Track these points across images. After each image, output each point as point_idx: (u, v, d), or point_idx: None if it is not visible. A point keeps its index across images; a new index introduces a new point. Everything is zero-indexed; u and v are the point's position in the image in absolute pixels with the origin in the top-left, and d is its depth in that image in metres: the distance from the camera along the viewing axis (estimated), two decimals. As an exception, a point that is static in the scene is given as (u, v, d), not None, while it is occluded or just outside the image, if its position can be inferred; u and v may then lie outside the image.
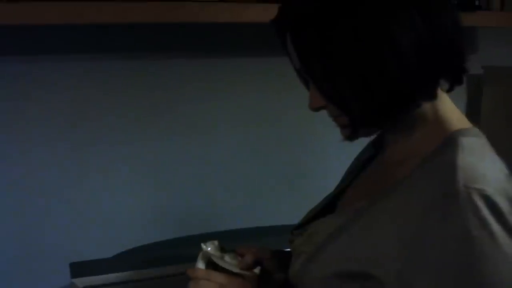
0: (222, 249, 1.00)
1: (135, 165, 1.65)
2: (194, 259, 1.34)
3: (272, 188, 1.79)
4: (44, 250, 1.56)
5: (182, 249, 1.54)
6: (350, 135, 0.79)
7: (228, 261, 0.97)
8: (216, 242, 1.00)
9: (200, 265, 0.97)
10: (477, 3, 1.73)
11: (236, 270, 0.94)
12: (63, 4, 1.31)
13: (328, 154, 1.74)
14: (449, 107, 0.82)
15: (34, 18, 1.28)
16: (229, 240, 1.64)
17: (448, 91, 0.82)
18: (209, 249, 0.98)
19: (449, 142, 0.75)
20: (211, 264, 0.97)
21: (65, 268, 1.40)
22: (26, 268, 1.56)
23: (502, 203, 0.67)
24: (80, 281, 1.28)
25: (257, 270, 0.96)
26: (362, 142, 0.94)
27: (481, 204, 0.66)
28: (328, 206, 0.95)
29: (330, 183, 1.04)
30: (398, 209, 0.73)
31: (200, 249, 0.98)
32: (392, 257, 0.71)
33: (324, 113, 0.83)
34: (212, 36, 1.64)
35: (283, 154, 1.79)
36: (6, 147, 1.52)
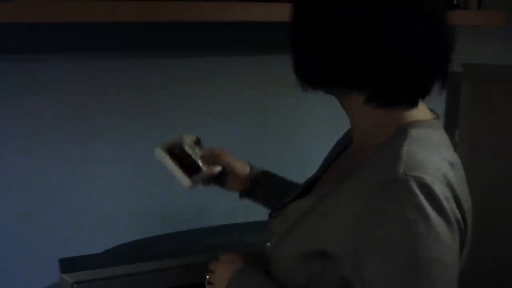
0: (199, 143, 1.16)
1: (125, 162, 1.66)
2: (183, 254, 1.37)
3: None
4: (33, 247, 1.57)
5: (171, 244, 1.55)
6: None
7: (196, 152, 1.12)
8: (195, 137, 1.15)
9: (159, 150, 1.13)
10: (455, 2, 1.78)
11: (196, 159, 1.11)
12: (50, 2, 1.33)
13: (321, 151, 1.77)
14: None
15: (30, 16, 1.29)
16: (218, 235, 1.67)
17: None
18: (187, 137, 1.13)
19: (401, 132, 0.80)
20: (174, 156, 1.12)
21: (55, 264, 1.41)
22: (16, 264, 1.57)
23: (439, 190, 0.73)
24: (69, 276, 1.29)
25: (216, 169, 1.12)
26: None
27: (417, 190, 0.71)
28: (306, 191, 0.99)
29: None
30: (353, 193, 0.78)
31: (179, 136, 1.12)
32: (346, 237, 0.76)
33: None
34: (204, 35, 1.67)
35: (277, 152, 1.82)
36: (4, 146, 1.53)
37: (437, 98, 2.14)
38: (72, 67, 1.56)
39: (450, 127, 2.10)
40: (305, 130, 1.84)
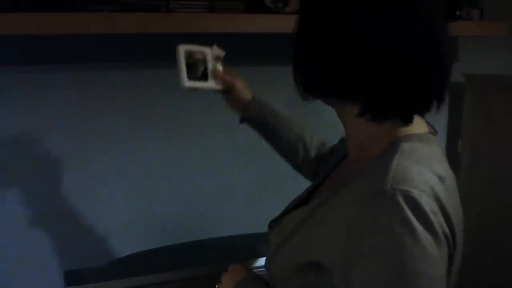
0: (221, 59, 1.26)
1: (130, 173, 1.67)
2: (186, 266, 1.37)
3: (272, 194, 1.82)
4: (38, 259, 1.58)
5: (175, 256, 1.56)
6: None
7: (214, 65, 1.23)
8: (222, 52, 1.25)
9: (181, 48, 1.21)
10: (458, 13, 1.78)
11: (209, 70, 1.22)
12: (54, 14, 1.34)
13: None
14: None
15: (36, 28, 1.32)
16: (222, 247, 1.67)
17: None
18: (215, 49, 1.24)
19: (392, 146, 0.81)
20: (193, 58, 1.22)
21: (60, 276, 1.41)
22: (22, 276, 1.58)
23: (426, 204, 0.73)
24: (74, 289, 1.29)
25: (218, 86, 1.24)
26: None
27: (404, 204, 0.72)
28: (304, 201, 1.00)
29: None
30: (345, 204, 0.79)
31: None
32: (337, 248, 0.77)
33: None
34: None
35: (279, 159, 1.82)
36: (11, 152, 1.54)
37: (440, 108, 2.13)
38: (78, 77, 1.58)
39: (453, 136, 2.10)
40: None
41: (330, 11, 0.80)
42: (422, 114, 0.86)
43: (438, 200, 0.76)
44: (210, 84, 1.25)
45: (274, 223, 1.00)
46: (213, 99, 1.69)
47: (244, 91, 1.29)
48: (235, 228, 1.75)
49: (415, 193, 0.73)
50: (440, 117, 2.09)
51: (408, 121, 0.83)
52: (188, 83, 1.22)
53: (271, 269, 0.93)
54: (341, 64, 0.80)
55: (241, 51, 1.71)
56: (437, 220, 0.74)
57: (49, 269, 1.55)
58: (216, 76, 1.26)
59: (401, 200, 0.72)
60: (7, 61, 1.50)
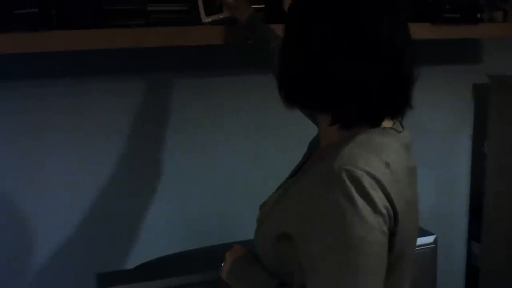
0: None
1: (159, 180, 1.75)
2: (214, 267, 1.42)
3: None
4: (71, 261, 1.67)
5: (206, 257, 1.60)
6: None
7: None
8: None
9: None
10: (479, 16, 1.79)
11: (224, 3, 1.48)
12: (83, 33, 1.43)
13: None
14: None
15: (67, 45, 1.42)
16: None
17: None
18: None
19: (350, 137, 0.93)
20: None
21: (92, 279, 1.49)
22: (55, 279, 1.67)
23: (367, 181, 0.85)
24: (106, 291, 1.36)
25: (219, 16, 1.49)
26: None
27: (347, 180, 0.85)
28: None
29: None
30: (305, 183, 0.94)
31: None
32: (299, 220, 0.91)
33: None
34: (215, 57, 1.75)
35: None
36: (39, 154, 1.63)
37: (466, 109, 2.16)
38: (109, 88, 1.67)
39: (478, 137, 2.10)
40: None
41: (301, 35, 0.93)
42: (391, 118, 0.97)
43: (379, 181, 0.87)
44: (224, 14, 1.50)
45: (262, 205, 1.12)
46: (245, 104, 1.76)
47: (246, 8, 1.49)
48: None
49: (358, 172, 0.85)
50: (466, 118, 2.10)
51: (376, 126, 0.95)
52: (205, 19, 1.49)
53: (255, 242, 1.08)
54: (311, 82, 0.92)
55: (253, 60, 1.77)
56: (377, 195, 0.86)
57: (82, 271, 1.63)
58: (227, 6, 1.50)
59: (345, 178, 0.85)
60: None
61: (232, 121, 1.80)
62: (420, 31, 1.68)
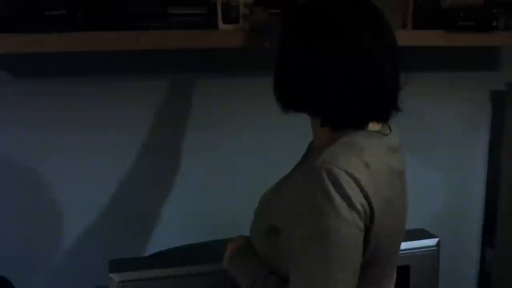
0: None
1: (175, 176, 1.84)
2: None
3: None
4: (84, 247, 1.79)
5: (213, 251, 1.67)
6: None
7: (242, 8, 1.57)
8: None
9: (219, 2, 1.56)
10: (494, 24, 1.81)
11: (240, 12, 1.56)
12: (106, 34, 1.52)
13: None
14: None
15: (92, 45, 1.51)
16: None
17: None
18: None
19: (335, 139, 1.01)
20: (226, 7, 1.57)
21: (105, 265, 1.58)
22: (68, 264, 1.79)
23: (344, 179, 0.92)
24: (116, 275, 1.44)
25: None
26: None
27: (325, 177, 0.92)
28: None
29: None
30: (293, 180, 1.03)
31: None
32: (284, 214, 1.01)
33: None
34: (232, 59, 1.81)
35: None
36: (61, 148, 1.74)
37: (483, 117, 2.17)
38: (129, 87, 1.77)
39: (495, 144, 2.11)
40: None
41: (290, 46, 1.03)
42: (378, 121, 1.05)
43: (356, 180, 0.94)
44: (240, 25, 1.58)
45: (260, 199, 1.21)
46: (260, 106, 1.82)
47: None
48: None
49: (336, 170, 0.93)
50: (483, 125, 2.12)
51: (360, 128, 1.02)
52: (222, 27, 1.58)
53: (250, 234, 1.20)
54: (299, 89, 1.01)
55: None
56: (353, 193, 0.93)
57: (96, 258, 1.73)
58: (244, 18, 1.58)
59: (325, 175, 0.92)
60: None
61: (246, 121, 1.87)
62: (435, 38, 1.75)
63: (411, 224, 1.75)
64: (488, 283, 2.18)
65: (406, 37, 1.71)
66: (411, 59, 1.91)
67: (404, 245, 1.59)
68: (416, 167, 2.05)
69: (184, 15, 1.62)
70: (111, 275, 1.45)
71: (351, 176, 0.93)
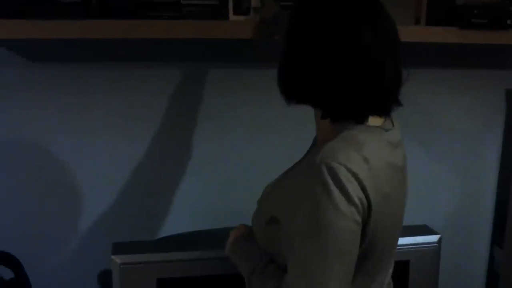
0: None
1: (185, 165, 1.88)
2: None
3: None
4: (87, 232, 1.85)
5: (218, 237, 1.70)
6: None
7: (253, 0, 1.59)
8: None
9: None
10: (509, 22, 1.78)
11: (252, 5, 1.58)
12: (119, 22, 1.56)
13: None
14: None
15: (105, 33, 1.54)
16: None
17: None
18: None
19: (337, 133, 1.02)
20: None
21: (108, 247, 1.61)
22: (73, 246, 1.85)
23: (343, 174, 0.95)
24: (118, 257, 1.48)
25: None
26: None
27: (325, 171, 0.94)
28: None
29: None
30: (294, 174, 1.06)
31: None
32: (284, 205, 1.04)
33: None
34: (243, 50, 1.83)
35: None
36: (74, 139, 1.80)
37: (497, 116, 2.14)
38: (141, 75, 1.80)
39: (509, 143, 2.09)
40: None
41: (293, 40, 1.05)
42: (379, 116, 1.06)
43: (355, 174, 0.96)
44: (251, 17, 1.61)
45: (264, 190, 1.24)
46: (269, 97, 1.84)
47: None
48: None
49: (336, 165, 0.95)
50: (497, 124, 2.09)
51: (361, 122, 1.03)
52: (232, 18, 1.60)
53: (252, 223, 1.23)
54: (300, 80, 1.03)
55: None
56: (352, 188, 0.95)
57: (100, 241, 1.79)
58: (255, 10, 1.59)
59: (324, 169, 0.95)
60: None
61: (255, 112, 1.89)
62: (448, 35, 1.74)
63: (421, 221, 1.77)
64: (495, 282, 2.16)
65: (419, 33, 1.71)
66: (424, 55, 1.93)
67: (405, 240, 1.62)
68: (428, 165, 2.04)
69: (196, 6, 1.65)
70: (113, 257, 1.49)
71: (350, 171, 0.95)
